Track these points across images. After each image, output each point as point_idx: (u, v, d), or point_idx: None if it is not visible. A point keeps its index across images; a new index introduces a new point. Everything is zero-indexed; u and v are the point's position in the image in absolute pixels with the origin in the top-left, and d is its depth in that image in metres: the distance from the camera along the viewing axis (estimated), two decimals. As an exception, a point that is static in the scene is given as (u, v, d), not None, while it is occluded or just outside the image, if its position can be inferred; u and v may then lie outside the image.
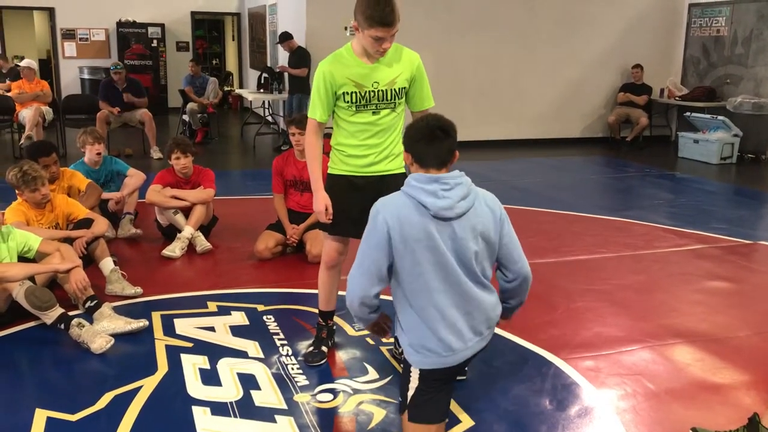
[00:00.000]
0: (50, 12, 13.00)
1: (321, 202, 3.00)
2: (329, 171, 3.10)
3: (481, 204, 2.33)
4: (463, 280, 2.28)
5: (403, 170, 3.09)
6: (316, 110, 2.97)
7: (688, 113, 9.56)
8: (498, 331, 3.18)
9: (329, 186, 3.06)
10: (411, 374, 2.35)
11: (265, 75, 10.15)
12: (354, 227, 3.11)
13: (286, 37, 9.01)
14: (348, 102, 2.93)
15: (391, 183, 3.04)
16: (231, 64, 16.10)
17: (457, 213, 2.26)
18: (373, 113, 2.95)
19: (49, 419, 2.72)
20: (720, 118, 9.01)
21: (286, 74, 9.61)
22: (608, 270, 4.68)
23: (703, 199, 7.02)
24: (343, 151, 3.03)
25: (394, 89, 2.93)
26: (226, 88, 14.34)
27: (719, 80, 9.90)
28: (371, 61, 2.90)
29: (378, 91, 2.91)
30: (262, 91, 10.20)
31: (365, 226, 3.13)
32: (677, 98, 10.07)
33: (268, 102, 10.74)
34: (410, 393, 2.35)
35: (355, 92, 2.90)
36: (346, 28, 8.58)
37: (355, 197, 3.01)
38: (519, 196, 6.77)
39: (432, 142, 2.29)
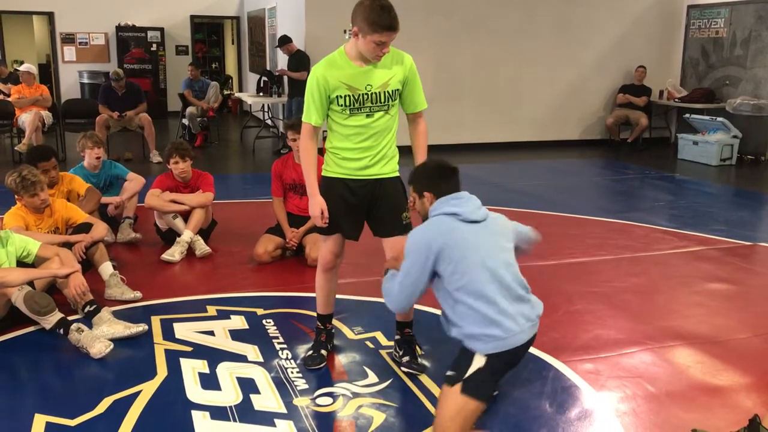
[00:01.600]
0: (50, 16, 13.02)
1: (317, 207, 3.00)
2: (324, 173, 3.10)
3: (493, 215, 2.71)
4: (502, 272, 2.53)
5: (397, 173, 3.08)
6: (310, 114, 2.97)
7: (687, 115, 9.57)
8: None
9: (324, 188, 3.05)
10: (474, 358, 2.47)
11: (264, 78, 10.16)
12: (349, 229, 3.11)
13: (285, 41, 9.02)
14: (342, 105, 2.92)
15: (386, 186, 3.04)
16: (230, 68, 16.11)
17: (482, 216, 2.61)
18: (367, 116, 2.95)
19: (48, 424, 2.72)
20: (719, 119, 9.01)
21: (285, 77, 9.63)
22: (608, 272, 4.67)
23: (702, 200, 7.02)
24: (338, 154, 3.02)
25: (387, 91, 2.93)
26: (225, 92, 14.35)
27: (718, 82, 9.91)
28: (364, 64, 2.90)
29: (371, 93, 2.91)
30: (261, 94, 10.20)
31: (360, 228, 3.15)
32: (676, 100, 10.07)
33: (268, 105, 10.74)
34: (471, 370, 2.46)
35: (349, 95, 2.90)
36: (345, 32, 8.58)
37: (350, 200, 3.02)
38: (518, 199, 6.76)
39: (449, 179, 2.70)
